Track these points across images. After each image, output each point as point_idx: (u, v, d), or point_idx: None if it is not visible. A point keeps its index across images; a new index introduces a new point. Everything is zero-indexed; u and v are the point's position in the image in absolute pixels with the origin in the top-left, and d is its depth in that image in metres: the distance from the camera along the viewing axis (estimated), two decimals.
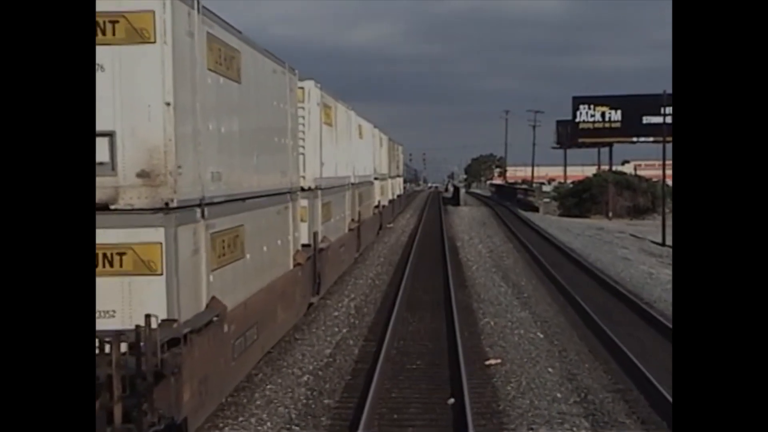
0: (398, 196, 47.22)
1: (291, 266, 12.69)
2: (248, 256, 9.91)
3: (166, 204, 7.20)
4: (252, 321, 9.81)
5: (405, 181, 73.12)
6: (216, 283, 8.47)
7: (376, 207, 30.02)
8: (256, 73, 10.63)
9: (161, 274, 7.18)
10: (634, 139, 56.64)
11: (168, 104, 7.23)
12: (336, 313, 15.30)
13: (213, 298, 8.25)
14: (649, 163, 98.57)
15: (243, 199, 9.78)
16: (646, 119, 54.82)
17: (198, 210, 7.97)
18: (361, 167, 24.18)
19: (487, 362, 11.28)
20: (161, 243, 7.19)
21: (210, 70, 8.47)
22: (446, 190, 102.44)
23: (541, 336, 13.14)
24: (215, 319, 8.16)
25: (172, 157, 7.25)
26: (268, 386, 10.28)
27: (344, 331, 13.77)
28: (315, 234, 14.81)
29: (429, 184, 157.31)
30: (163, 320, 7.03)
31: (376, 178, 29.89)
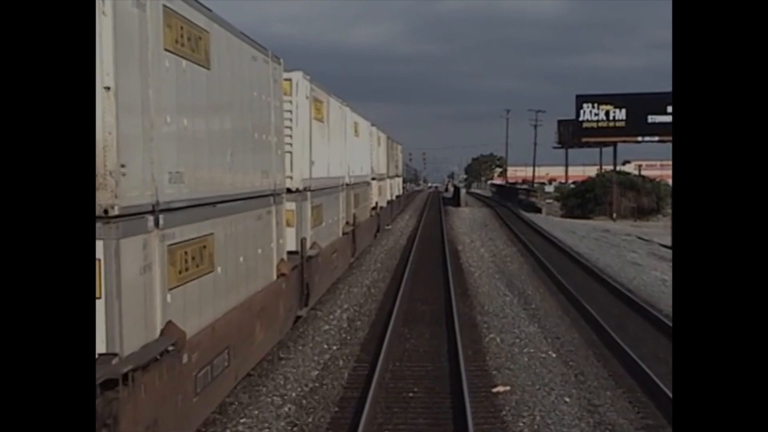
0: (397, 196, 45.84)
1: (274, 277, 11.32)
2: (219, 269, 8.55)
3: (105, 211, 5.82)
4: (222, 345, 8.43)
5: (405, 181, 71.82)
6: (175, 305, 7.10)
7: (374, 208, 28.62)
8: (231, 59, 9.27)
9: (99, 298, 5.81)
10: (639, 138, 55.18)
11: (107, 89, 5.86)
12: (326, 327, 13.94)
13: (169, 323, 6.88)
14: (651, 163, 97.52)
15: (213, 204, 8.42)
16: (651, 118, 53.35)
17: (150, 217, 6.60)
18: (357, 167, 22.78)
19: (495, 389, 9.90)
20: (99, 259, 5.83)
21: (168, 50, 7.10)
22: (446, 190, 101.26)
23: (554, 356, 11.76)
24: (171, 348, 6.79)
25: (112, 154, 5.88)
26: (242, 420, 8.92)
27: (334, 348, 12.41)
28: (303, 240, 13.43)
29: (429, 184, 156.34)
30: (99, 355, 5.70)
31: (373, 179, 28.49)
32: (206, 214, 8.17)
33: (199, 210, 7.92)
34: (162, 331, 6.76)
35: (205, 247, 8.10)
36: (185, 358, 7.15)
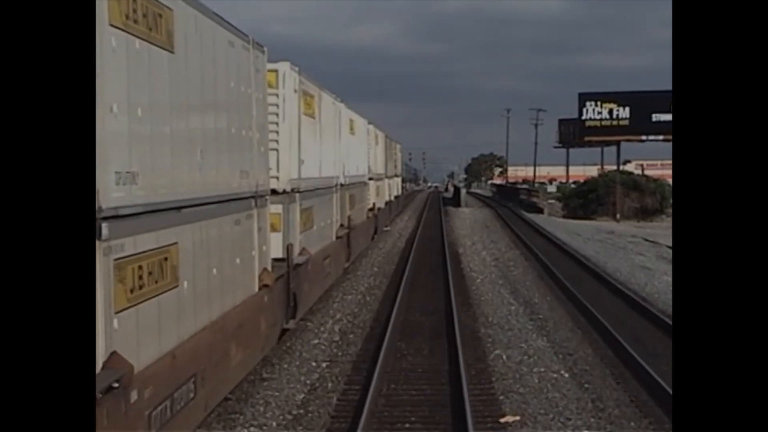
0: (396, 197, 44.70)
1: (256, 289, 10.17)
2: (185, 283, 7.39)
3: None
4: (186, 374, 7.25)
5: (404, 181, 70.76)
6: (123, 331, 5.94)
7: (371, 210, 27.47)
8: (201, 42, 8.11)
9: None
10: (643, 137, 54.08)
11: None
12: (316, 341, 12.77)
13: (114, 354, 5.72)
14: (651, 163, 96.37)
15: (177, 208, 7.27)
16: (655, 116, 52.26)
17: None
18: (352, 166, 21.60)
19: (503, 419, 8.73)
20: None
21: (115, 27, 5.93)
22: (446, 190, 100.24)
23: (567, 376, 10.58)
24: (115, 385, 5.63)
25: None
26: None
27: (323, 366, 11.24)
28: (290, 246, 12.25)
29: (429, 184, 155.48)
30: None
31: (370, 179, 27.34)
32: (168, 220, 7.02)
33: (159, 216, 6.78)
34: (104, 365, 5.61)
35: (166, 259, 6.94)
36: (134, 396, 5.97)
